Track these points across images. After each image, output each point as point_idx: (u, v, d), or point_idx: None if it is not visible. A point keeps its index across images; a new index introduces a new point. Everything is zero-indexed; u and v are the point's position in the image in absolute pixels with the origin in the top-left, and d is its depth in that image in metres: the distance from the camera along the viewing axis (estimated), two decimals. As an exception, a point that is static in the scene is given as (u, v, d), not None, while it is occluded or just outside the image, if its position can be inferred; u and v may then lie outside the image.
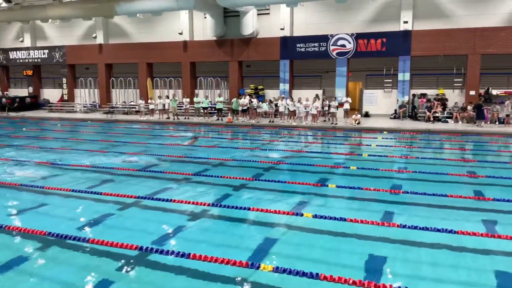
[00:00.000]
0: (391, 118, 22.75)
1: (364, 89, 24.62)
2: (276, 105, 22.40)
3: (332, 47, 23.14)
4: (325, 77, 25.26)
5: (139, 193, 8.38)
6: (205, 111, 23.66)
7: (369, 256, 5.55)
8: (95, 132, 20.18)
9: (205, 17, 26.11)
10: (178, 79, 27.45)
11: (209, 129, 21.08)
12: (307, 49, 23.69)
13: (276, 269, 5.01)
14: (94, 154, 13.32)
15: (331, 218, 6.79)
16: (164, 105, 24.10)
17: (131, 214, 7.50)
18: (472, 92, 21.19)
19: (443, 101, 21.95)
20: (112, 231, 6.59)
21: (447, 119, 20.99)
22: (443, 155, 13.90)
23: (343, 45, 22.92)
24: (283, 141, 17.03)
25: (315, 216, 6.93)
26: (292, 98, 22.25)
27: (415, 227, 6.33)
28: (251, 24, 24.44)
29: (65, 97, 30.85)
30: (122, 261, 5.47)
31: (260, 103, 22.56)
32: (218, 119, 23.14)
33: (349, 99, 21.71)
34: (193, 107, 24.36)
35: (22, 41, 32.53)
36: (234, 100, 22.82)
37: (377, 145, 15.34)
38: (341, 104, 21.44)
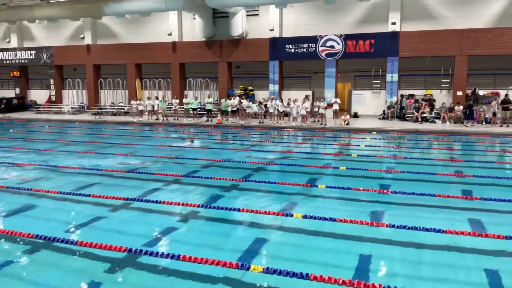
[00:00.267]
0: (379, 118, 22.94)
1: (353, 90, 24.77)
2: (266, 106, 22.43)
3: (321, 48, 23.25)
4: (314, 78, 25.38)
5: (128, 195, 8.31)
6: (195, 112, 23.60)
7: (359, 255, 5.58)
8: (83, 134, 19.99)
9: (194, 18, 26.07)
10: (167, 80, 27.33)
11: (198, 130, 21.02)
12: (296, 50, 23.77)
13: (267, 270, 5.01)
14: (83, 156, 13.20)
15: (320, 218, 6.83)
16: (153, 106, 23.96)
17: (120, 216, 7.43)
18: (459, 93, 21.46)
19: (430, 101, 22.18)
20: (100, 233, 6.52)
21: (434, 120, 21.22)
22: (431, 155, 14.04)
23: (332, 46, 23.05)
24: (273, 142, 17.07)
25: (305, 217, 6.96)
26: (282, 99, 22.27)
27: (404, 227, 6.40)
28: (240, 25, 24.46)
29: (53, 98, 30.52)
30: (111, 263, 5.42)
31: (250, 103, 22.57)
32: (207, 120, 23.09)
33: (338, 100, 21.83)
34: (183, 108, 24.29)
35: (8, 42, 32.11)
36: (223, 100, 22.80)
37: (366, 146, 15.44)
38: (330, 105, 21.55)
